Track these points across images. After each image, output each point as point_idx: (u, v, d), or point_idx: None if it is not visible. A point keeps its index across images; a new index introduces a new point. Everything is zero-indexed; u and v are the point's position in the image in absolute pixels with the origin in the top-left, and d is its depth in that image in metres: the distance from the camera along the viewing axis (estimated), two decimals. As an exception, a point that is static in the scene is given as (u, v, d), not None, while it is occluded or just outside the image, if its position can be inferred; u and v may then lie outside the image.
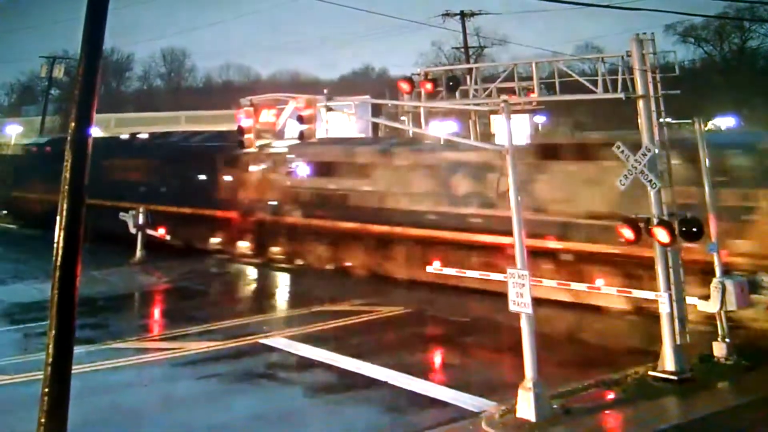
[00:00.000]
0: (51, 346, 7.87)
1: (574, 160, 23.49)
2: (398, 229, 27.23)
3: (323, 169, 31.14)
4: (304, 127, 23.11)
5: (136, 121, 70.83)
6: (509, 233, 14.74)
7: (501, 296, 16.75)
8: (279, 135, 33.36)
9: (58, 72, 72.82)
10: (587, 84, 19.12)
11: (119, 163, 38.94)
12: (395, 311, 22.87)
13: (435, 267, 22.59)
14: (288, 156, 32.41)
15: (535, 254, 18.25)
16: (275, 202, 31.55)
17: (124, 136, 43.92)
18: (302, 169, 31.84)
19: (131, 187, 37.56)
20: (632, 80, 17.33)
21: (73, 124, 8.10)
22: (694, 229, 16.08)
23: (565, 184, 23.43)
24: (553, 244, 23.01)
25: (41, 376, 7.93)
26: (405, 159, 28.53)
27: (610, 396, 15.27)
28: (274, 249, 31.07)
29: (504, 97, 17.90)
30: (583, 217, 22.62)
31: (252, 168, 33.23)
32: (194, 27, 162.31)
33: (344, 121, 33.96)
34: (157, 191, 36.49)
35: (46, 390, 7.72)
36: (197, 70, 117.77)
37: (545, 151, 23.20)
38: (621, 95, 17.66)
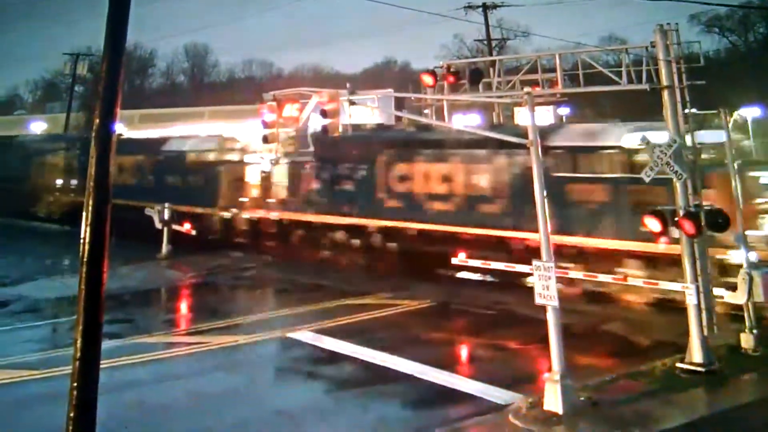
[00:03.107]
0: (79, 341, 7.91)
1: None
2: None
3: None
4: (327, 121, 23.14)
5: (160, 116, 70.99)
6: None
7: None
8: (302, 129, 33.44)
9: (82, 69, 72.92)
10: (611, 75, 19.04)
11: None
12: (418, 304, 22.84)
13: (460, 259, 22.57)
14: None
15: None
16: None
17: None
18: None
19: None
20: (657, 71, 17.22)
21: (97, 120, 8.15)
22: (720, 221, 15.98)
23: None
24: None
25: (70, 371, 7.97)
26: None
27: (638, 388, 15.17)
28: None
29: (527, 89, 17.85)
30: None
31: None
32: (216, 23, 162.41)
33: (367, 114, 33.95)
34: None
35: (75, 384, 7.76)
36: (220, 66, 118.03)
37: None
38: (645, 86, 17.57)
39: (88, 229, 8.07)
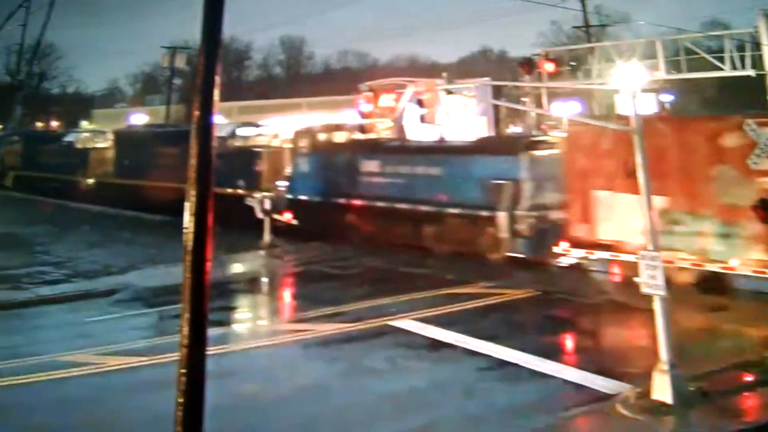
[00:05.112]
0: (185, 328, 7.96)
1: None
2: None
3: None
4: (424, 111, 23.05)
5: (258, 108, 71.97)
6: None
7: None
8: (399, 119, 33.45)
9: (180, 62, 74.20)
10: (714, 61, 18.61)
11: None
12: (524, 293, 22.59)
13: (563, 248, 22.40)
14: None
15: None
16: None
17: None
18: None
19: None
20: (761, 56, 16.75)
21: (196, 112, 8.22)
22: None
23: None
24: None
25: (176, 358, 8.08)
26: None
27: (748, 378, 14.79)
28: None
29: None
30: None
31: None
32: (311, 14, 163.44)
33: (464, 103, 33.78)
34: None
35: (183, 371, 7.83)
36: (315, 57, 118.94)
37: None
38: (750, 72, 17.16)
39: (191, 219, 8.15)
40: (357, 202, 31.43)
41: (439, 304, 21.60)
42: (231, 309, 22.48)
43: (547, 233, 24.36)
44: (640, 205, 14.73)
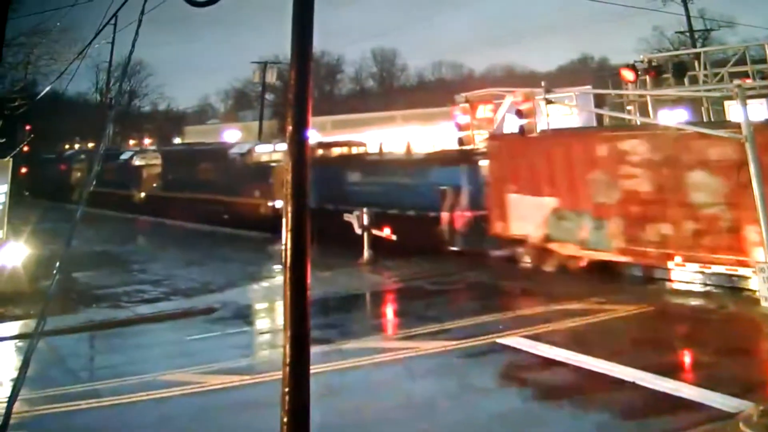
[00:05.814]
0: (287, 346, 7.82)
1: None
2: None
3: None
4: (523, 121, 22.51)
5: (352, 122, 71.97)
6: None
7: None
8: (497, 131, 32.95)
9: (271, 77, 74.61)
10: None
11: None
12: (635, 309, 21.78)
13: (676, 262, 21.79)
14: None
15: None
16: None
17: None
18: None
19: None
20: None
21: (290, 128, 8.12)
22: None
23: None
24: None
25: (279, 376, 7.89)
26: None
27: None
28: None
29: (737, 81, 17.08)
30: None
31: None
32: (402, 26, 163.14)
33: (565, 113, 33.13)
34: None
35: (287, 390, 7.68)
36: (408, 69, 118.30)
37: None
38: None
39: (289, 235, 8.02)
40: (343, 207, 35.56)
41: (548, 321, 20.99)
42: (333, 326, 22.12)
43: (478, 230, 30.21)
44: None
